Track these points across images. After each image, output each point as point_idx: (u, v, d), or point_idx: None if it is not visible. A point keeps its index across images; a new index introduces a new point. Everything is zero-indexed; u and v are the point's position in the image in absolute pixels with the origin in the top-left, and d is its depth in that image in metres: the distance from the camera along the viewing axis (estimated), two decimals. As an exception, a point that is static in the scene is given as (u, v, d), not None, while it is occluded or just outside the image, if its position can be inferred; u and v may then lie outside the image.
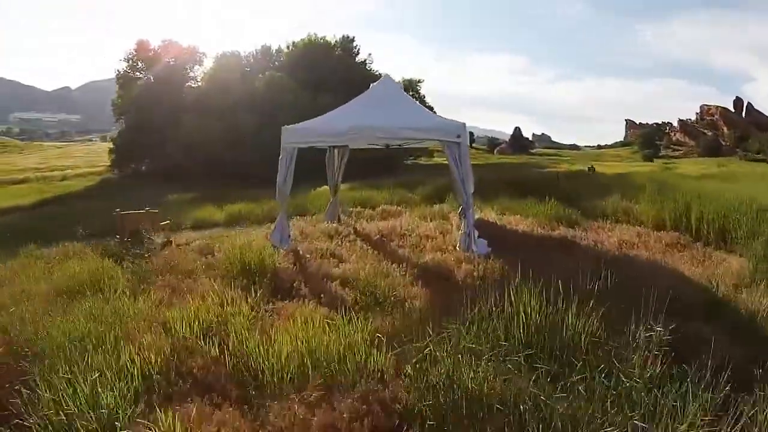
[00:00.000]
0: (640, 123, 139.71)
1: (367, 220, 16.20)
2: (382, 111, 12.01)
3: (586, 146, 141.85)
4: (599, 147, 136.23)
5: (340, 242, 12.54)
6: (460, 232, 11.60)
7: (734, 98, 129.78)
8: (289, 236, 12.21)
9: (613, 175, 35.11)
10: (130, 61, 57.59)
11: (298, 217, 17.23)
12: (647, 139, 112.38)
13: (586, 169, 35.04)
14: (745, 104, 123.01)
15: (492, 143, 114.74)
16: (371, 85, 13.28)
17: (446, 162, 11.69)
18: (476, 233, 11.44)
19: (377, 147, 15.01)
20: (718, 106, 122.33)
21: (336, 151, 14.96)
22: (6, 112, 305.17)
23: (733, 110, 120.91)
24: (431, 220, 15.02)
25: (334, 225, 14.36)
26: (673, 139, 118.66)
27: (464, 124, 11.43)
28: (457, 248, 11.42)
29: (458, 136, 11.23)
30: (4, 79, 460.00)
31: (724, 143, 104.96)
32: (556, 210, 15.25)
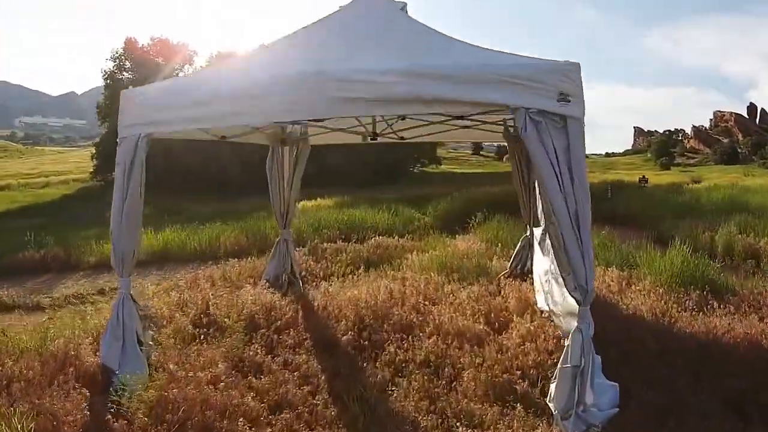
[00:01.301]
0: (648, 131, 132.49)
1: (341, 274, 8.85)
2: (367, 45, 4.78)
3: (593, 154, 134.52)
4: (607, 155, 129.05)
5: (262, 356, 5.20)
6: (557, 369, 4.25)
7: (748, 104, 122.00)
8: (140, 346, 4.96)
9: (663, 188, 27.88)
10: (117, 61, 51.06)
11: (234, 260, 9.83)
12: (662, 146, 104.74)
13: (638, 180, 27.80)
14: (758, 110, 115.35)
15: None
16: (340, 5, 5.85)
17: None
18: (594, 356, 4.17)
19: (353, 137, 7.56)
20: (732, 113, 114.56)
21: (283, 150, 7.62)
22: (11, 116, 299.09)
23: (746, 116, 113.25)
24: (460, 279, 7.71)
25: (272, 295, 6.90)
26: (687, 146, 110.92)
27: (578, 65, 4.12)
28: (551, 405, 4.20)
29: (562, 97, 3.92)
30: (10, 83, 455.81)
31: (740, 150, 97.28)
32: (687, 263, 7.79)
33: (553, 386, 4.22)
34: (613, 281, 7.54)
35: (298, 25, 5.73)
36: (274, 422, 4.08)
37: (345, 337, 5.60)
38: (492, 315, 6.03)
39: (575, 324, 4.22)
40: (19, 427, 3.78)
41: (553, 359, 4.91)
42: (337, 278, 8.49)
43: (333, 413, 4.20)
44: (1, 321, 7.54)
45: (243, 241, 12.25)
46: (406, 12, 5.94)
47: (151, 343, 5.40)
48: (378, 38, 4.90)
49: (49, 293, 9.43)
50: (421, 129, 7.55)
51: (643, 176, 29.53)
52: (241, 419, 3.98)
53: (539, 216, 7.27)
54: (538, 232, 7.33)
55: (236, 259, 9.87)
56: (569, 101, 3.90)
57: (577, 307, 4.24)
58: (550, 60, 4.12)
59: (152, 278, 9.89)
